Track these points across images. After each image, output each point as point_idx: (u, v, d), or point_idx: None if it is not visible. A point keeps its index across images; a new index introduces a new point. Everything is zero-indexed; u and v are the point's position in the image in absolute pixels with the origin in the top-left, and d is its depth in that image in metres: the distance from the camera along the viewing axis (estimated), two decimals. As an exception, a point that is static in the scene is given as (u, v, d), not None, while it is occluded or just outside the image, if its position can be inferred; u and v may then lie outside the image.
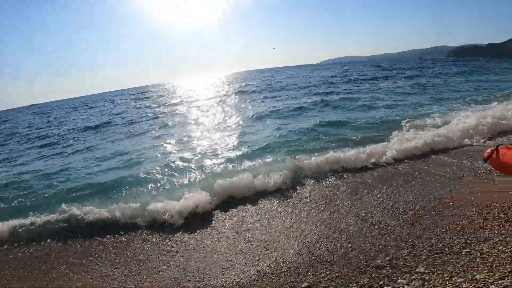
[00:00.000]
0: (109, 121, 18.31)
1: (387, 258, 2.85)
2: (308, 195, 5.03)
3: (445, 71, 31.49)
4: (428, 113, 10.20)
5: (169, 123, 14.43)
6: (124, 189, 6.20)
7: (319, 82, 28.40)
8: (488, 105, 10.51)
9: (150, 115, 18.76)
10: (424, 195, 4.38)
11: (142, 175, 6.87)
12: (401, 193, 4.57)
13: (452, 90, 16.17)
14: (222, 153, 8.09)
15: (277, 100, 18.39)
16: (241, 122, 12.41)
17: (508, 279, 1.98)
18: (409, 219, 3.64)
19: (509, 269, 2.10)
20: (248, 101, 19.77)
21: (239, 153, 7.72)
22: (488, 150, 4.32)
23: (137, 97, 41.56)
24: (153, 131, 12.94)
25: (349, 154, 6.21)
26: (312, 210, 4.48)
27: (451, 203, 3.93)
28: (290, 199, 4.97)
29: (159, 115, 18.08)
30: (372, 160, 5.99)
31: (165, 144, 9.98)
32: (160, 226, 4.64)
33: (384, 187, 4.88)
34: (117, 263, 3.84)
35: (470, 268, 2.28)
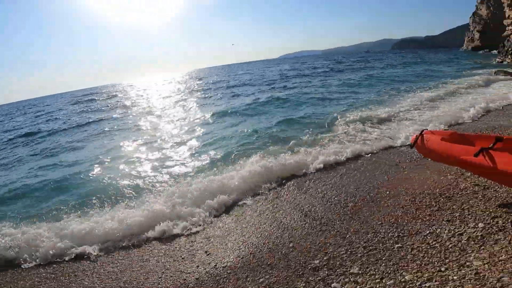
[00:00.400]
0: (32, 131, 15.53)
1: (325, 258, 2.74)
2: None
3: (387, 63, 33.85)
4: (369, 104, 10.73)
5: (110, 127, 13.24)
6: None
7: (276, 76, 28.86)
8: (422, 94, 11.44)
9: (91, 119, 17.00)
10: (365, 184, 4.43)
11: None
12: (344, 184, 4.58)
13: (397, 81, 17.34)
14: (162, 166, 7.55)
15: (233, 97, 17.88)
16: (193, 123, 11.67)
17: (435, 281, 1.95)
18: (349, 212, 3.61)
19: (437, 269, 2.08)
20: (202, 99, 19.05)
21: (191, 161, 6.99)
22: (414, 136, 4.22)
23: (77, 100, 37.51)
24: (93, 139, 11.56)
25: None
26: (257, 208, 4.29)
27: (387, 192, 3.99)
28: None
29: (103, 119, 16.51)
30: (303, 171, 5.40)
31: (103, 152, 8.98)
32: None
33: (329, 179, 4.87)
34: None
35: (400, 268, 2.23)
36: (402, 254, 2.43)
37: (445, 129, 6.49)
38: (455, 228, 2.59)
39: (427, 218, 2.98)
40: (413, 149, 4.33)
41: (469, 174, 4.03)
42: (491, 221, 2.56)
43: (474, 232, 2.43)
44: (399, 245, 2.57)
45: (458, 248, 2.27)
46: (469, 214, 2.83)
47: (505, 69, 19.02)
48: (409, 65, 29.92)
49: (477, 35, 63.99)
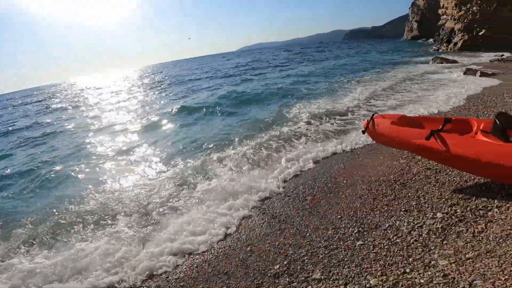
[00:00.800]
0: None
1: (285, 262, 2.50)
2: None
3: (345, 53, 35.16)
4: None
5: (51, 130, 11.69)
6: None
7: (233, 70, 28.05)
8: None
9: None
10: (322, 174, 4.30)
11: None
12: (302, 175, 4.42)
13: (354, 70, 17.93)
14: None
15: (184, 95, 16.38)
16: (134, 128, 9.88)
17: (402, 285, 1.79)
18: (308, 207, 3.42)
19: (402, 270, 1.93)
20: (152, 97, 17.44)
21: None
22: (365, 121, 4.07)
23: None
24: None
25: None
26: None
27: (344, 181, 3.89)
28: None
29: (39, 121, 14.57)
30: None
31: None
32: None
33: (287, 170, 4.66)
34: None
35: (364, 270, 2.06)
36: (364, 252, 2.27)
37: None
38: (414, 220, 2.50)
39: (385, 208, 2.89)
40: (366, 135, 4.16)
41: (420, 158, 4.09)
42: (449, 209, 2.51)
43: (433, 224, 2.35)
44: (361, 242, 2.42)
45: (420, 244, 2.16)
46: (425, 203, 2.78)
47: (441, 56, 20.74)
48: (361, 55, 31.25)
49: (415, 25, 68.97)
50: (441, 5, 33.46)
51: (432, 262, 1.91)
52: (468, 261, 1.85)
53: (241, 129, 7.47)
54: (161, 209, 3.97)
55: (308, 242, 2.67)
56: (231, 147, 6.13)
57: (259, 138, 6.36)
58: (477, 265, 1.79)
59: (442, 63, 17.88)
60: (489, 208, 2.37)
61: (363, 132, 4.02)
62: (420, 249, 2.10)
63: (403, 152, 4.45)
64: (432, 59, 19.30)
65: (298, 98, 10.74)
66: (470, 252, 1.90)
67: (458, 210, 2.46)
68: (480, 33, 27.22)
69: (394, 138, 3.31)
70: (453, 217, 2.39)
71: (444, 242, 2.08)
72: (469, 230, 2.17)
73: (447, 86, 9.64)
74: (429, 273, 1.83)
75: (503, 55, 19.92)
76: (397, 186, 3.36)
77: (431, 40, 43.44)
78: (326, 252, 2.44)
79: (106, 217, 3.97)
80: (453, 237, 2.12)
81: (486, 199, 2.52)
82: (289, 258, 2.53)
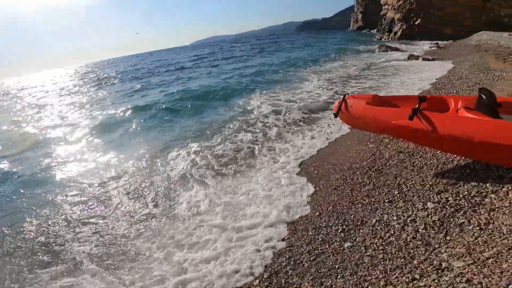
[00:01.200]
0: None
1: (265, 276, 2.09)
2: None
3: (292, 44, 35.48)
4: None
5: None
6: None
7: (188, 64, 26.22)
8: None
9: None
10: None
11: None
12: (271, 169, 4.04)
13: (304, 60, 17.92)
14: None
15: (133, 94, 13.94)
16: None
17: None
18: (282, 205, 3.05)
19: (409, 277, 1.61)
20: (95, 97, 14.88)
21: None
22: (336, 103, 3.66)
23: None
24: None
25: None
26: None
27: (315, 172, 3.60)
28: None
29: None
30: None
31: None
32: None
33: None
34: None
35: (362, 279, 1.73)
36: (356, 256, 1.94)
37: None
38: (403, 213, 2.24)
39: (366, 200, 2.62)
40: (337, 119, 3.79)
41: (388, 140, 3.95)
42: (439, 198, 2.30)
43: (428, 217, 2.11)
44: (349, 243, 2.09)
45: (420, 242, 1.89)
46: (408, 191, 2.55)
47: (386, 44, 21.97)
48: (314, 45, 31.49)
49: (360, 16, 72.56)
50: (383, -5, 34.90)
51: (444, 264, 1.63)
52: (489, 261, 1.59)
53: (199, 130, 6.48)
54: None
55: (287, 248, 2.30)
56: (189, 147, 5.34)
57: (220, 138, 5.54)
58: (504, 266, 1.54)
59: (387, 51, 18.94)
60: (483, 194, 2.19)
61: (335, 115, 3.62)
62: (422, 248, 1.83)
63: (369, 135, 4.29)
64: (378, 47, 20.40)
65: (257, 90, 10.26)
66: (487, 249, 1.65)
67: (450, 198, 2.25)
68: (416, 23, 29.08)
69: (371, 120, 3.00)
70: (446, 206, 2.17)
71: (448, 238, 1.83)
72: (472, 221, 1.95)
73: (407, 72, 9.93)
74: (446, 278, 1.54)
75: (437, 43, 21.76)
76: (373, 174, 3.14)
77: (374, 30, 46.02)
78: (311, 258, 2.08)
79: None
80: (456, 231, 1.88)
81: (476, 184, 2.35)
82: (269, 270, 2.13)
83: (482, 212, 1.98)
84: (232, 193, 3.44)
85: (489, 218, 1.90)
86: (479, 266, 1.56)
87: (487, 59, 9.52)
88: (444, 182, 2.49)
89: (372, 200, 2.59)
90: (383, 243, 1.98)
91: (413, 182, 2.67)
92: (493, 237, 1.72)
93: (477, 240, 1.74)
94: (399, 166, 3.12)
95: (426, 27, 27.94)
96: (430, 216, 2.10)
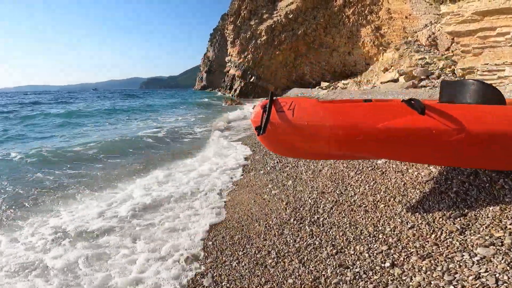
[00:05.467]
0: None
1: None
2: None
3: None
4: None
5: None
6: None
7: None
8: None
9: None
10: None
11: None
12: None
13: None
14: None
15: None
16: None
17: None
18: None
19: None
20: None
21: None
22: (257, 112, 1.87)
23: None
24: None
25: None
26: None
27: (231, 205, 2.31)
28: None
29: None
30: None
31: None
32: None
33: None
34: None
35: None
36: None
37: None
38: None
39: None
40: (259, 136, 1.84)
41: (275, 175, 3.14)
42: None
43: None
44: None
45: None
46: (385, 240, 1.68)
47: (231, 99, 24.19)
48: (168, 98, 29.69)
49: (204, 76, 76.26)
50: (228, 53, 34.16)
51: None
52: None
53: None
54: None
55: None
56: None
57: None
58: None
59: (232, 104, 20.60)
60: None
61: (259, 132, 1.77)
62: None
63: (267, 178, 3.38)
64: (224, 101, 22.36)
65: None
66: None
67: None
68: (251, 80, 29.59)
69: (339, 127, 1.63)
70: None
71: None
72: None
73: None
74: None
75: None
76: (314, 228, 2.13)
77: (216, 90, 50.01)
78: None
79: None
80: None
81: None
82: None
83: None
84: None
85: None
86: None
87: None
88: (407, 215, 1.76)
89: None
90: None
91: (374, 223, 1.86)
92: None
93: None
94: (334, 210, 2.28)
95: (257, 84, 29.36)
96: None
